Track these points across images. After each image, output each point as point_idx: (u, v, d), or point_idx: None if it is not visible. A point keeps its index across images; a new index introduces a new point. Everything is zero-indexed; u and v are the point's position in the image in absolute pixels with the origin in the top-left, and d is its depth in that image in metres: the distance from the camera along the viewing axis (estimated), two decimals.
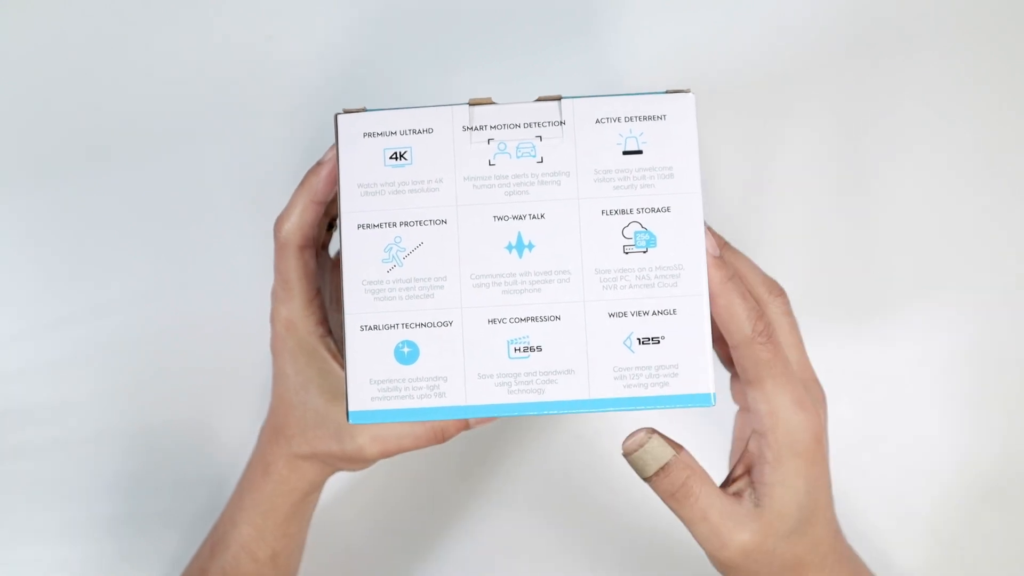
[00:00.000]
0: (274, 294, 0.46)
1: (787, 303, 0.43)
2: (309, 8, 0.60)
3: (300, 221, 0.44)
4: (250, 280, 0.58)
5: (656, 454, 0.40)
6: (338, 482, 0.58)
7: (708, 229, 0.40)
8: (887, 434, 0.59)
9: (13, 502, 0.59)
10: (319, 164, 0.44)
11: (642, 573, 0.58)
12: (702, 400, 0.38)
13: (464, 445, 0.57)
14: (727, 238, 0.46)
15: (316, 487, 0.49)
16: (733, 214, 0.59)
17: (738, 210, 0.59)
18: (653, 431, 0.40)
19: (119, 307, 0.60)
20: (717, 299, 0.39)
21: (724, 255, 0.40)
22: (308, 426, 0.46)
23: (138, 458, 0.59)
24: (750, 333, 0.39)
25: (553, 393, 0.38)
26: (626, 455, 0.40)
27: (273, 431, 0.48)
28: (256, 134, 0.60)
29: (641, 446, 0.40)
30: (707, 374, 0.38)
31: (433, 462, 0.58)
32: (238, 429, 0.58)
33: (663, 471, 0.40)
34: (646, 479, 0.40)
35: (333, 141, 0.41)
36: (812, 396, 0.43)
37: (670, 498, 0.40)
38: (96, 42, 0.60)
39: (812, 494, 0.41)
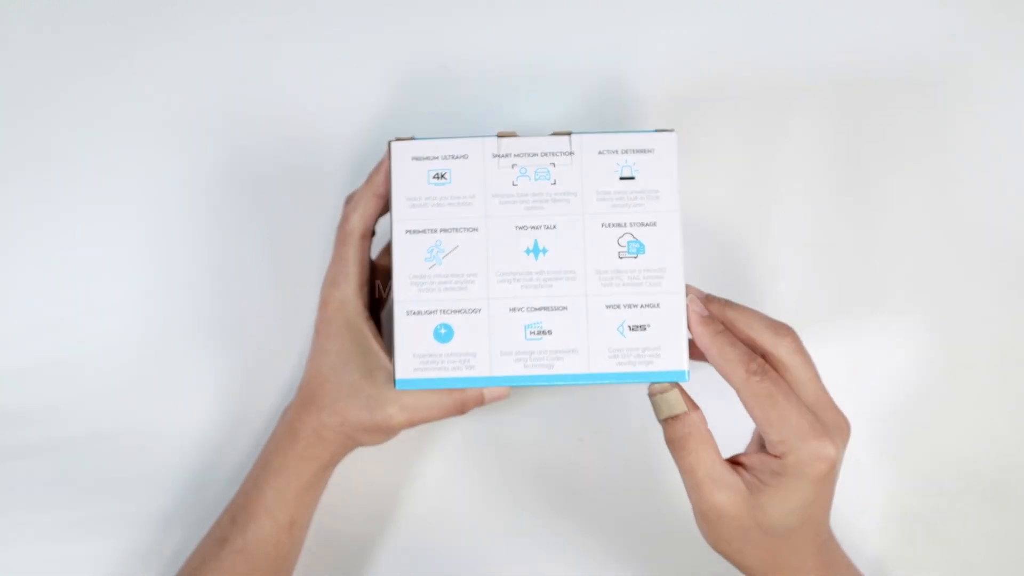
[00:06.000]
0: (330, 278, 0.52)
1: (796, 341, 0.45)
2: (309, 8, 0.61)
3: (364, 212, 0.51)
4: (250, 280, 0.60)
5: (671, 403, 0.46)
6: (336, 484, 0.58)
7: (693, 290, 0.47)
8: (887, 434, 0.59)
9: (13, 502, 0.59)
10: (380, 164, 0.51)
11: (647, 562, 0.59)
12: (679, 376, 0.47)
13: (463, 443, 0.60)
14: (728, 239, 0.52)
15: (335, 460, 0.53)
16: (734, 214, 0.60)
17: (738, 210, 0.60)
18: (676, 385, 0.46)
19: (119, 307, 0.60)
20: (710, 351, 0.45)
21: (726, 312, 0.46)
22: (340, 396, 0.51)
23: (139, 458, 0.59)
24: (744, 374, 0.44)
25: (560, 368, 0.47)
26: (649, 395, 0.46)
27: (304, 402, 0.53)
28: (256, 134, 0.61)
29: (662, 392, 0.46)
30: (683, 355, 0.47)
31: (431, 460, 0.60)
32: (239, 429, 0.60)
33: (672, 419, 0.46)
34: (659, 421, 0.46)
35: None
36: (826, 424, 0.45)
37: (670, 443, 0.46)
38: (97, 41, 0.61)
39: (806, 510, 0.45)
